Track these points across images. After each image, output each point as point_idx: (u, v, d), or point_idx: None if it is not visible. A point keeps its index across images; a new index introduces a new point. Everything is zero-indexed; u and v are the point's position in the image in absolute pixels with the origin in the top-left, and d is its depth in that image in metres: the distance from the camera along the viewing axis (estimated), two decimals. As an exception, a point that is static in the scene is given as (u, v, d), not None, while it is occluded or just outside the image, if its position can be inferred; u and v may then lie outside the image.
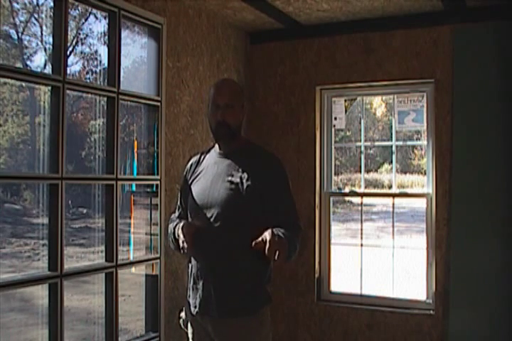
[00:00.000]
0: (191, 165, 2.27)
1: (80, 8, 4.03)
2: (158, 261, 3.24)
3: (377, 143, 10.82)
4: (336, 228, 5.93)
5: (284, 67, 4.17)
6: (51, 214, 2.58)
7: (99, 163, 3.17)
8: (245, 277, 2.03)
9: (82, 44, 5.37)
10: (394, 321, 3.73)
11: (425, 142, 3.86)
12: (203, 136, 3.69)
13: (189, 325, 2.17)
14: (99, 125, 3.76)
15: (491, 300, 3.39)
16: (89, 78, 5.94)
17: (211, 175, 2.12)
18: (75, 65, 5.45)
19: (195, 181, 2.18)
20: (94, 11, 3.67)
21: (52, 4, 2.64)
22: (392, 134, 4.13)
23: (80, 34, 4.98)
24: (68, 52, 2.84)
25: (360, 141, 4.27)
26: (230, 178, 2.05)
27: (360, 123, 4.39)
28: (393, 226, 4.37)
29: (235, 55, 4.13)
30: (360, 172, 4.78)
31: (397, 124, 4.02)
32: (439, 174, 3.65)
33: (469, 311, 3.44)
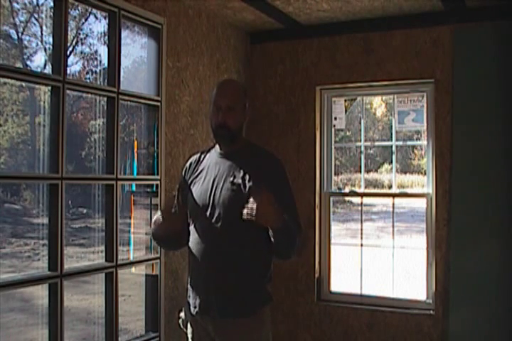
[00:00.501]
0: (191, 164, 2.25)
1: (80, 8, 4.03)
2: (158, 261, 3.24)
3: (377, 143, 10.82)
4: (335, 228, 5.93)
5: (284, 67, 4.17)
6: (51, 214, 2.58)
7: (99, 163, 3.17)
8: (246, 277, 2.02)
9: (82, 44, 5.37)
10: (394, 321, 3.73)
11: (425, 142, 3.86)
12: (203, 136, 3.69)
13: (188, 325, 2.16)
14: (99, 125, 3.76)
15: (491, 300, 3.39)
16: (89, 78, 5.94)
17: (212, 175, 2.11)
18: (75, 65, 5.45)
19: (195, 181, 2.17)
20: (94, 11, 3.67)
21: (52, 4, 2.64)
22: (392, 134, 4.13)
23: (79, 34, 4.98)
24: (68, 52, 2.84)
25: (360, 141, 4.27)
26: (231, 179, 2.04)
27: (360, 123, 4.39)
28: (393, 226, 4.37)
29: (235, 55, 4.13)
30: (360, 172, 4.78)
31: (397, 124, 4.02)
32: (439, 174, 3.65)
33: (469, 311, 3.44)
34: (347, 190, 5.94)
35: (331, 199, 4.16)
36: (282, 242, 1.97)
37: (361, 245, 4.16)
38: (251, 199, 1.85)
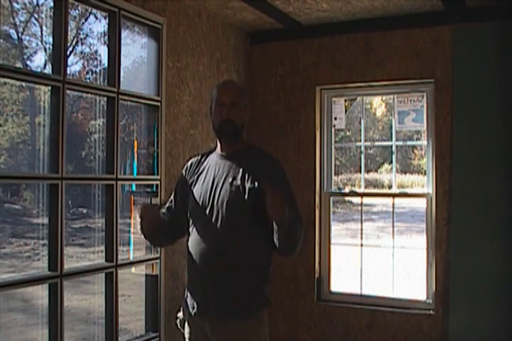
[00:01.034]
0: (191, 164, 2.25)
1: (80, 8, 4.03)
2: (158, 261, 3.24)
3: (377, 143, 10.80)
4: (335, 228, 5.93)
5: (284, 67, 4.18)
6: (51, 214, 2.58)
7: (99, 163, 3.17)
8: (245, 278, 2.03)
9: (82, 44, 5.37)
10: (394, 321, 3.73)
11: (425, 142, 3.86)
12: (203, 136, 3.69)
13: (186, 325, 2.16)
14: (99, 125, 3.76)
15: (491, 300, 3.39)
16: (89, 78, 5.94)
17: (212, 176, 2.11)
18: (75, 65, 5.45)
19: (195, 182, 2.17)
20: (94, 11, 3.67)
21: (52, 4, 2.65)
22: (392, 134, 4.13)
23: (79, 34, 4.98)
24: (68, 52, 2.84)
25: (360, 141, 4.27)
26: (231, 180, 2.04)
27: (360, 123, 4.39)
28: (393, 226, 4.37)
29: (235, 55, 4.13)
30: (360, 172, 4.78)
31: (397, 124, 4.02)
32: (439, 174, 3.65)
33: (469, 311, 3.44)
34: (347, 190, 5.94)
35: (331, 199, 4.16)
36: (286, 238, 1.95)
37: (361, 245, 4.16)
38: (270, 194, 1.84)
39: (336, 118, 4.15)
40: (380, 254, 5.73)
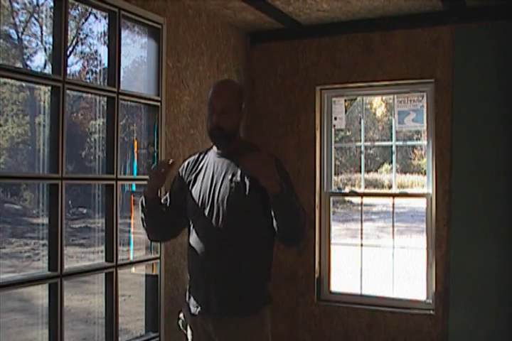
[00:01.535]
0: (188, 163, 2.25)
1: (80, 8, 4.03)
2: (158, 261, 3.24)
3: (377, 143, 10.82)
4: (335, 228, 5.93)
5: (284, 67, 4.17)
6: (51, 214, 2.58)
7: (99, 163, 3.17)
8: (247, 275, 2.02)
9: (82, 44, 5.37)
10: (394, 321, 3.73)
11: (425, 142, 3.86)
12: (203, 136, 3.69)
13: (188, 327, 2.15)
14: (99, 125, 3.76)
15: (491, 300, 3.39)
16: (89, 78, 5.94)
17: (211, 174, 2.11)
18: (75, 65, 5.46)
19: (194, 181, 2.16)
20: (94, 11, 3.67)
21: (52, 4, 2.64)
22: (392, 134, 4.13)
23: (79, 34, 4.98)
24: (68, 52, 2.84)
25: (360, 141, 4.27)
26: (230, 177, 2.04)
27: (360, 123, 4.39)
28: (393, 226, 4.37)
29: (235, 55, 4.13)
30: (360, 172, 4.78)
31: (397, 124, 4.02)
32: (439, 174, 3.65)
33: (469, 311, 3.44)
34: (347, 190, 5.94)
35: (331, 199, 4.16)
36: (286, 219, 1.91)
37: (361, 245, 4.16)
38: (248, 155, 1.86)
39: (336, 118, 4.15)
40: (380, 254, 5.74)
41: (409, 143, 10.42)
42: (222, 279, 2.01)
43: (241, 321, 2.01)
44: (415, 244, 7.20)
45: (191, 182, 2.16)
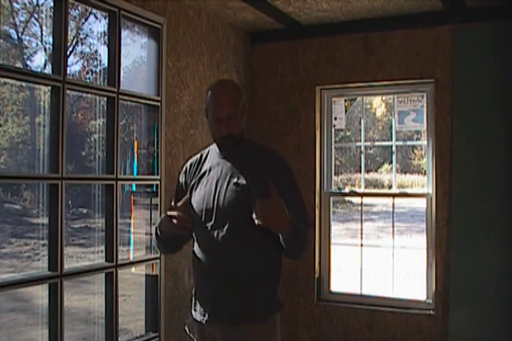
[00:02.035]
0: (191, 165, 2.16)
1: (80, 8, 4.03)
2: (158, 261, 3.24)
3: (377, 143, 10.81)
4: (335, 228, 5.93)
5: (284, 67, 4.18)
6: (51, 214, 2.58)
7: (99, 163, 3.17)
8: (257, 281, 1.95)
9: (82, 44, 5.37)
10: (394, 321, 3.73)
11: (425, 142, 3.86)
12: (203, 136, 3.69)
13: (195, 333, 2.08)
14: (99, 125, 3.76)
15: (491, 300, 3.40)
16: (89, 78, 5.94)
17: (215, 177, 2.02)
18: (75, 65, 5.46)
19: (197, 184, 2.07)
20: (94, 11, 3.67)
21: (52, 4, 2.64)
22: (392, 134, 4.13)
23: (79, 34, 4.98)
24: (68, 52, 2.84)
25: (360, 141, 4.27)
26: (235, 180, 1.96)
27: (360, 123, 4.39)
28: (393, 226, 4.37)
29: (235, 55, 4.13)
30: (360, 172, 4.78)
31: (397, 124, 4.02)
32: (439, 174, 3.65)
33: (469, 311, 3.44)
34: (347, 190, 5.94)
35: (331, 199, 4.16)
36: (292, 244, 1.91)
37: (361, 245, 4.16)
38: (259, 203, 1.76)
39: (336, 118, 4.15)
40: (380, 254, 5.74)
41: (409, 143, 10.43)
42: (231, 285, 1.94)
43: (252, 328, 1.95)
44: (415, 244, 7.20)
45: (195, 186, 2.07)
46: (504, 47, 3.47)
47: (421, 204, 3.99)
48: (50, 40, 2.67)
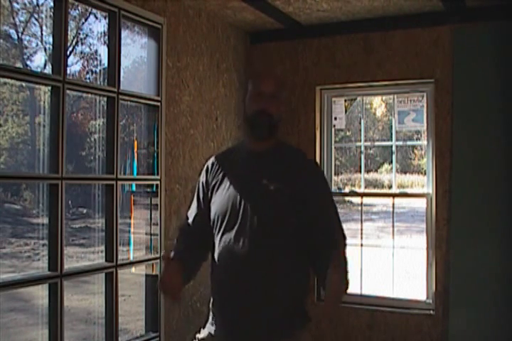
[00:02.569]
0: (213, 164, 1.95)
1: (80, 8, 4.03)
2: (158, 261, 3.24)
3: (377, 143, 10.82)
4: (336, 228, 5.90)
5: (284, 67, 4.17)
6: (51, 214, 2.58)
7: (99, 163, 3.17)
8: (286, 293, 1.76)
9: (82, 44, 5.38)
10: (394, 321, 3.73)
11: (425, 142, 3.86)
12: (203, 136, 3.70)
13: None
14: (99, 125, 3.76)
15: (491, 300, 3.39)
16: (89, 78, 5.95)
17: (243, 177, 1.83)
18: (75, 65, 5.46)
19: (219, 184, 1.87)
20: (94, 11, 3.68)
21: (52, 4, 2.64)
22: (392, 134, 4.13)
23: (79, 34, 4.99)
24: (68, 52, 2.84)
25: (360, 141, 4.27)
26: (267, 183, 1.77)
27: (360, 123, 4.39)
28: (393, 226, 4.37)
29: (235, 55, 4.13)
30: (360, 172, 4.78)
31: (397, 124, 4.02)
32: (439, 174, 3.65)
33: (469, 311, 3.44)
34: (347, 190, 5.94)
35: (331, 199, 4.15)
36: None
37: (361, 245, 4.16)
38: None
39: (336, 118, 4.15)
40: (380, 254, 5.73)
41: (409, 143, 10.43)
42: (259, 298, 1.74)
43: None
44: (415, 244, 7.20)
45: (217, 187, 1.87)
46: (504, 47, 3.47)
47: (421, 204, 3.99)
48: (50, 40, 2.67)
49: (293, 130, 4.13)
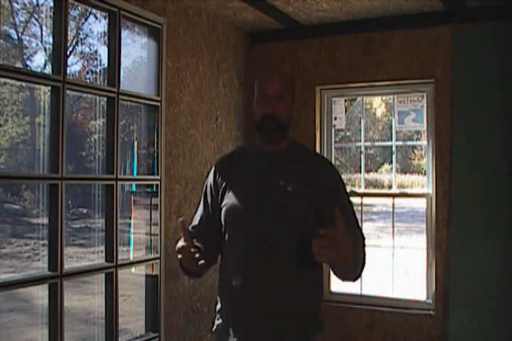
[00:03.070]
0: (222, 164, 1.92)
1: (79, 8, 4.03)
2: (158, 261, 3.24)
3: (377, 143, 10.81)
4: (335, 228, 5.90)
5: (284, 67, 4.17)
6: (51, 214, 2.58)
7: (99, 163, 3.17)
8: (301, 299, 1.72)
9: (82, 44, 5.38)
10: (394, 321, 3.73)
11: (425, 142, 3.86)
12: (203, 136, 3.70)
13: None
14: (99, 125, 3.76)
15: (491, 300, 3.39)
16: (89, 78, 5.95)
17: (255, 178, 1.78)
18: (75, 65, 5.46)
19: (231, 185, 1.81)
20: (94, 11, 3.67)
21: (52, 4, 2.64)
22: (392, 134, 4.13)
23: (79, 34, 4.99)
24: (68, 52, 2.84)
25: (360, 141, 4.27)
26: (281, 183, 1.72)
27: (360, 123, 4.39)
28: (393, 227, 4.37)
29: (235, 55, 4.13)
30: (360, 172, 4.78)
31: (397, 124, 4.02)
32: (439, 174, 3.65)
33: (469, 311, 3.44)
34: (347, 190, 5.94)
35: (331, 199, 4.15)
36: (350, 271, 1.68)
37: (361, 245, 4.15)
38: (323, 236, 1.43)
39: (336, 118, 4.15)
40: (380, 254, 5.73)
41: (409, 143, 10.42)
42: (271, 303, 1.69)
43: None
44: (415, 244, 7.21)
45: (228, 188, 1.81)
46: (504, 47, 3.47)
47: (421, 204, 3.99)
48: (50, 40, 2.66)
49: (293, 130, 4.10)
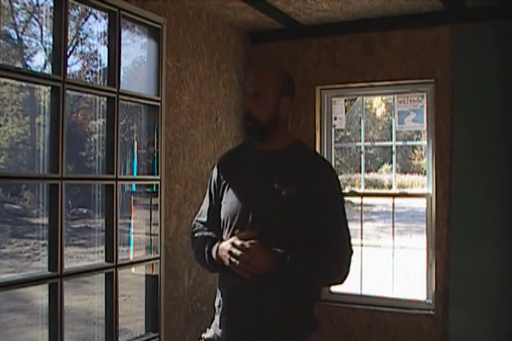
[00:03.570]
0: (224, 160, 1.93)
1: (79, 8, 4.04)
2: (158, 261, 3.24)
3: (377, 143, 10.82)
4: (336, 228, 5.90)
5: (284, 67, 4.17)
6: (51, 214, 2.58)
7: (99, 163, 3.17)
8: (296, 298, 1.73)
9: (82, 44, 5.38)
10: (394, 321, 3.73)
11: (425, 142, 3.86)
12: (203, 136, 3.69)
13: None
14: (99, 125, 3.76)
15: (491, 300, 3.39)
16: (89, 78, 5.95)
17: (251, 179, 1.78)
18: (75, 65, 5.47)
19: (230, 183, 1.83)
20: (94, 11, 3.68)
21: (52, 4, 2.64)
22: (392, 134, 4.13)
23: (79, 34, 4.99)
24: (68, 52, 2.84)
25: (360, 141, 4.27)
26: (276, 185, 1.71)
27: (360, 123, 4.40)
28: (393, 227, 4.37)
29: (235, 55, 4.13)
30: (360, 172, 4.78)
31: (397, 124, 4.02)
32: (439, 174, 3.65)
33: (469, 311, 3.44)
34: (347, 190, 5.93)
35: (331, 199, 4.15)
36: (319, 283, 1.72)
37: (361, 245, 4.16)
38: (236, 242, 1.60)
39: (336, 118, 4.15)
40: (380, 254, 5.73)
41: (409, 143, 10.44)
42: (267, 302, 1.71)
43: None
44: (415, 244, 7.21)
45: (227, 185, 1.83)
46: (504, 47, 3.47)
47: (421, 204, 3.99)
48: (50, 40, 2.67)
49: (293, 130, 4.12)
